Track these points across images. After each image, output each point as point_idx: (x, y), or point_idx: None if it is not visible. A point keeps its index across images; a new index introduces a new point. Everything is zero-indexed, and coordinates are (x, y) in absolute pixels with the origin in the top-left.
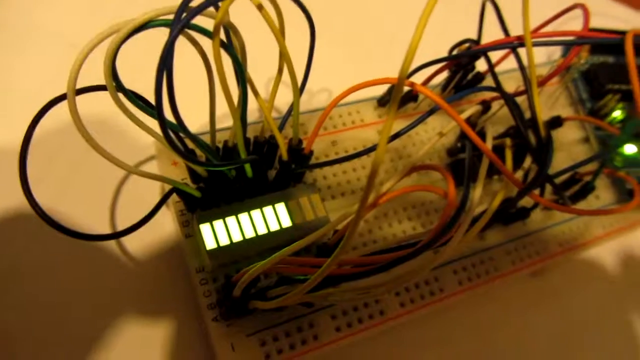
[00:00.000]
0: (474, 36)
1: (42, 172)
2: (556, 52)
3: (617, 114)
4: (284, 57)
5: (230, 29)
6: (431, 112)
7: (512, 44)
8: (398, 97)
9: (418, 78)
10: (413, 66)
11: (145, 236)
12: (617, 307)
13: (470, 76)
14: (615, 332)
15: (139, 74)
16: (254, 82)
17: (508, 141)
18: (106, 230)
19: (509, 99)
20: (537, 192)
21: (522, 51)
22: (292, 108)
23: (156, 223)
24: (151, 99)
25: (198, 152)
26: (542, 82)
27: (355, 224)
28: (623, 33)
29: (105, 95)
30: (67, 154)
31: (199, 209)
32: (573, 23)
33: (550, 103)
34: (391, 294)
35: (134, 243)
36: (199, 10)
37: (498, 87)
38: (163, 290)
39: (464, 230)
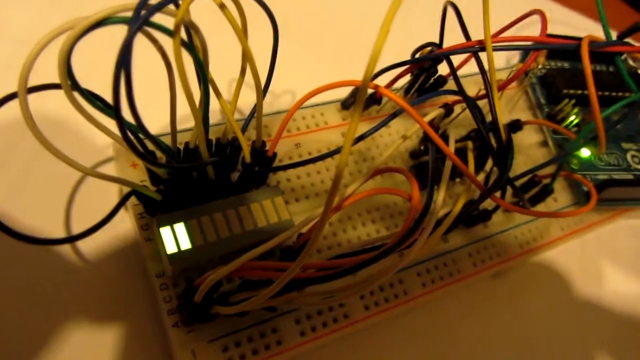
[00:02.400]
0: (436, 40)
1: None
2: (515, 57)
3: (573, 118)
4: (246, 57)
5: (191, 27)
6: (394, 115)
7: (473, 48)
8: (362, 100)
9: (381, 81)
10: (376, 69)
11: (103, 240)
12: (576, 306)
13: (432, 80)
14: (574, 332)
15: (95, 72)
16: (216, 83)
17: (470, 144)
18: (61, 234)
19: (471, 103)
20: (498, 194)
21: (482, 55)
22: (255, 110)
23: (114, 226)
24: (109, 98)
25: (158, 153)
26: (502, 87)
27: (320, 227)
28: (579, 39)
29: (59, 94)
30: (19, 154)
31: (159, 211)
32: (531, 29)
33: (509, 107)
34: (356, 297)
35: (91, 247)
36: (159, 7)
37: (460, 91)
38: (121, 295)
39: (428, 233)
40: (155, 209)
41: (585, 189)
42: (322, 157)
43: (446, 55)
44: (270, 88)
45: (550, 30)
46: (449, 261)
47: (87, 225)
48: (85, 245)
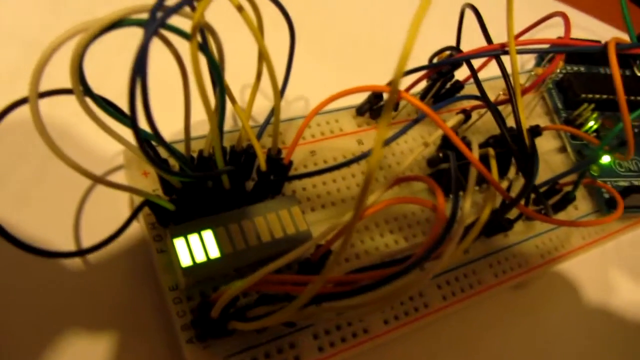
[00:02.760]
0: (449, 44)
1: (3, 177)
2: (530, 61)
3: (592, 123)
4: (264, 57)
5: (207, 30)
6: (417, 120)
7: (496, 52)
8: (392, 104)
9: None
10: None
11: (112, 251)
12: (597, 317)
13: (449, 85)
14: (596, 343)
15: (105, 75)
16: (230, 86)
17: (492, 151)
18: (70, 243)
19: (494, 109)
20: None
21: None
22: (270, 116)
23: (124, 236)
24: (120, 103)
25: (171, 161)
26: (526, 91)
27: (347, 239)
28: (598, 42)
29: (65, 99)
30: (28, 161)
31: (172, 222)
32: (542, 33)
33: (527, 112)
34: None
35: (100, 258)
36: (176, 9)
37: (483, 96)
38: (132, 309)
39: (456, 243)
40: (167, 219)
41: (607, 196)
42: (342, 165)
43: (467, 59)
44: (284, 93)
45: (558, 33)
46: (469, 272)
47: (97, 235)
48: (94, 257)
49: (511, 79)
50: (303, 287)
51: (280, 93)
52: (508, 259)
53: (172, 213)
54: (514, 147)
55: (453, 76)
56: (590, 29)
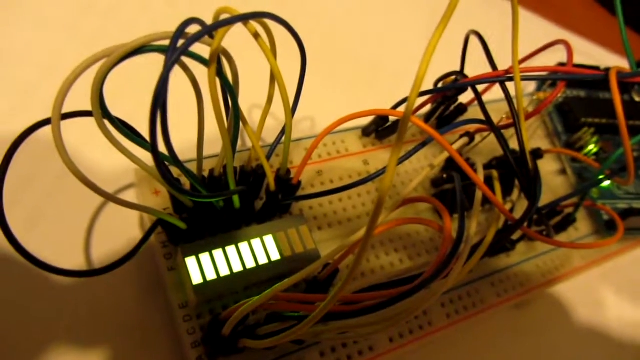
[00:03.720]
0: (453, 67)
1: (16, 195)
2: (530, 85)
3: (592, 147)
4: (276, 78)
5: (224, 56)
6: (424, 143)
7: (500, 78)
8: (405, 131)
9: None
10: (401, 96)
11: (122, 268)
12: (597, 337)
13: (453, 107)
14: None
15: (120, 94)
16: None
17: (495, 173)
18: (81, 260)
19: (499, 133)
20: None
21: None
22: (280, 136)
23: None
24: (134, 123)
25: (182, 179)
26: (529, 116)
27: (359, 259)
28: (598, 69)
29: (80, 119)
30: (42, 180)
31: (182, 240)
32: (547, 55)
33: (528, 135)
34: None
35: (110, 276)
36: (197, 37)
37: (488, 121)
38: (141, 326)
39: (463, 262)
40: (179, 238)
41: (606, 218)
42: (346, 188)
43: (472, 85)
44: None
45: (559, 57)
46: (472, 291)
47: (107, 251)
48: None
49: (515, 103)
50: (311, 305)
51: (291, 115)
52: (510, 278)
53: (183, 232)
54: (518, 170)
55: (457, 99)
56: (590, 54)
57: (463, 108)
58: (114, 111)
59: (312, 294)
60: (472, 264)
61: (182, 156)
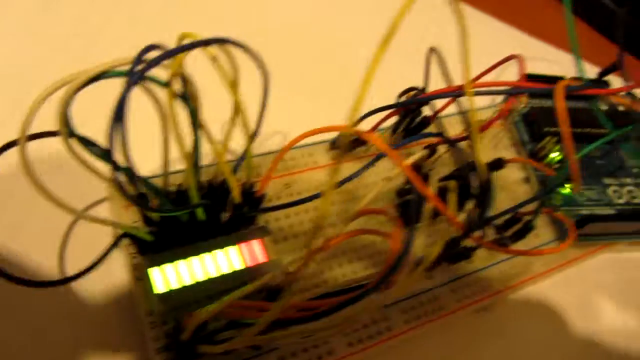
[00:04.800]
0: (420, 82)
1: None
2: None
3: (555, 155)
4: (238, 109)
5: (185, 79)
6: (378, 157)
7: (454, 94)
8: (344, 150)
9: (370, 122)
10: (366, 109)
11: (95, 278)
12: (561, 340)
13: (418, 119)
14: None
15: (90, 113)
16: (210, 123)
17: (452, 184)
18: (55, 274)
19: (453, 146)
20: (481, 233)
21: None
22: (244, 153)
23: (107, 264)
24: (102, 140)
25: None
26: (484, 128)
27: (296, 275)
28: (556, 80)
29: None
30: (17, 196)
31: (151, 252)
32: (512, 69)
33: (494, 143)
34: (339, 335)
35: (83, 285)
36: (155, 63)
37: (441, 134)
38: (113, 334)
39: (406, 274)
40: (147, 249)
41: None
42: (306, 200)
43: (428, 100)
44: (262, 128)
45: (536, 68)
46: (432, 297)
47: (81, 266)
48: (77, 284)
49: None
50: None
51: (254, 134)
52: (470, 285)
53: (151, 243)
54: (468, 181)
55: (421, 112)
56: (562, 62)
57: (427, 120)
58: (90, 129)
59: (265, 302)
60: (418, 274)
61: (158, 171)
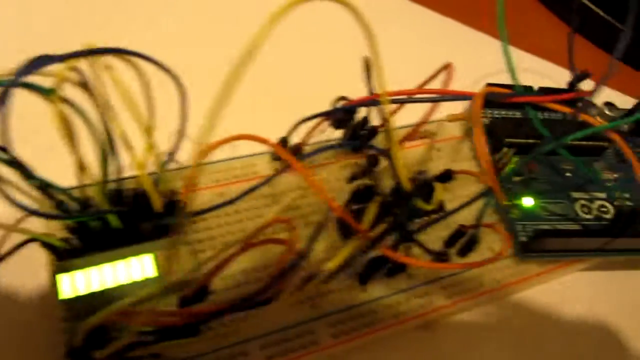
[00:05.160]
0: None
1: None
2: (460, 105)
3: (511, 166)
4: (148, 132)
5: (82, 88)
6: (283, 169)
7: (370, 102)
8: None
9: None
10: (304, 113)
11: (18, 283)
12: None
13: (366, 128)
14: None
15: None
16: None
17: (377, 198)
18: None
19: (373, 159)
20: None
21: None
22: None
23: (34, 271)
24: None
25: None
26: (406, 139)
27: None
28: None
29: None
30: None
31: (69, 258)
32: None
33: (453, 156)
34: (256, 347)
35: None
36: (29, 70)
37: (349, 143)
38: (32, 341)
39: (296, 285)
40: (64, 256)
41: (523, 239)
42: (224, 204)
43: (350, 109)
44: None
45: (528, 80)
46: (366, 312)
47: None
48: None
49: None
50: (165, 319)
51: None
52: (409, 300)
53: (68, 250)
54: (384, 196)
55: (367, 121)
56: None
57: (374, 130)
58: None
59: (161, 310)
60: (313, 285)
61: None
